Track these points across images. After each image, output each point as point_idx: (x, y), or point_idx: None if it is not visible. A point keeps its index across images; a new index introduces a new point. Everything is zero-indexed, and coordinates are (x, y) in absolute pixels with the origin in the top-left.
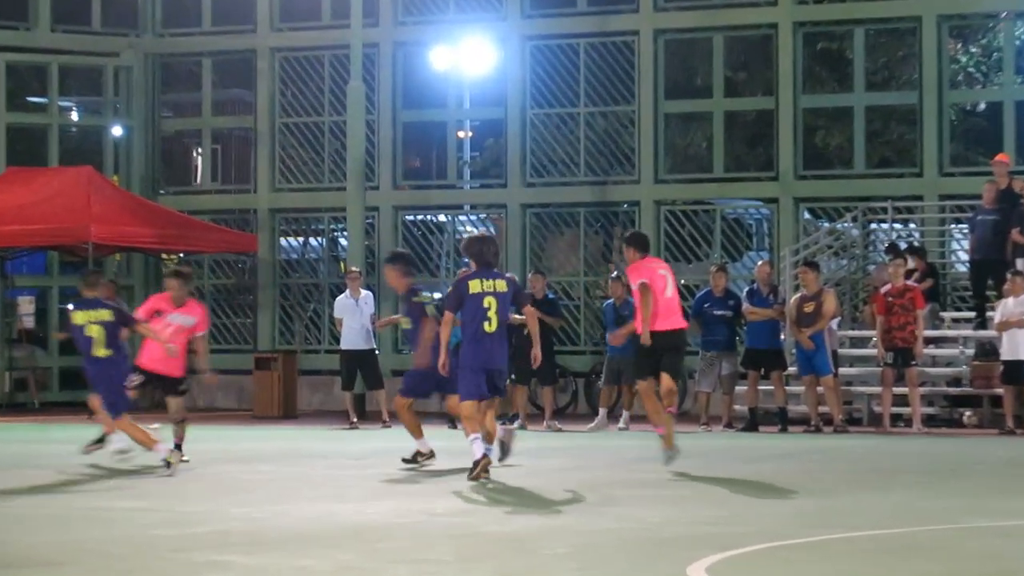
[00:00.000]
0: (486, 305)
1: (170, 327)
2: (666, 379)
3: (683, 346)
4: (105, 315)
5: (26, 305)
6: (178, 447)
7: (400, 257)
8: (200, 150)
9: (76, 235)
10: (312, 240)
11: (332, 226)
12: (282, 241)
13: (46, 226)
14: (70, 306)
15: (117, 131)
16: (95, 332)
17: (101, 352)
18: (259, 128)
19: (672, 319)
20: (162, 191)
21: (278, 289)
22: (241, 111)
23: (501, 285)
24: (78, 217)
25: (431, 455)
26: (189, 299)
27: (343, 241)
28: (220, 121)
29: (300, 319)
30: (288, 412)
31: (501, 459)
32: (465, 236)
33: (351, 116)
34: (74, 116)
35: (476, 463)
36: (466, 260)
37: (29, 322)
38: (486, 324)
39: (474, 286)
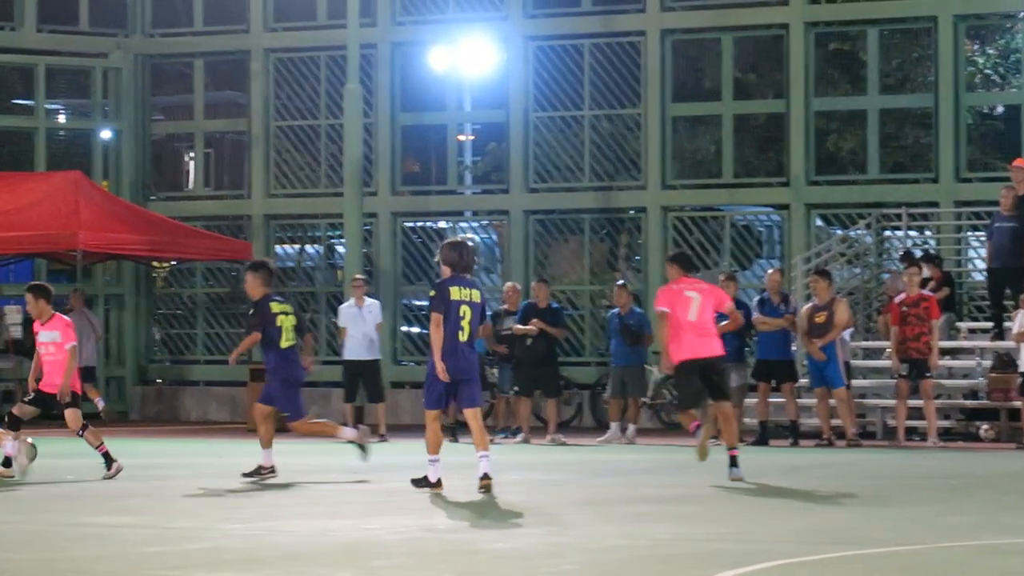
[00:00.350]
0: (461, 314)
1: (43, 345)
2: (724, 407)
3: (718, 370)
4: None
5: (13, 315)
6: (107, 457)
7: (262, 266)
8: (192, 154)
9: (64, 242)
10: (308, 247)
11: (329, 233)
12: (277, 248)
13: (33, 233)
14: None
15: (106, 135)
16: None
17: None
18: (253, 131)
19: (700, 346)
20: (153, 197)
21: None
22: (234, 114)
23: (476, 295)
24: (66, 223)
25: (272, 471)
26: (54, 315)
27: (340, 248)
28: (213, 124)
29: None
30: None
31: (364, 459)
32: (445, 242)
33: (348, 119)
34: (61, 119)
35: (426, 482)
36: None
37: (16, 332)
38: (460, 333)
39: (453, 292)
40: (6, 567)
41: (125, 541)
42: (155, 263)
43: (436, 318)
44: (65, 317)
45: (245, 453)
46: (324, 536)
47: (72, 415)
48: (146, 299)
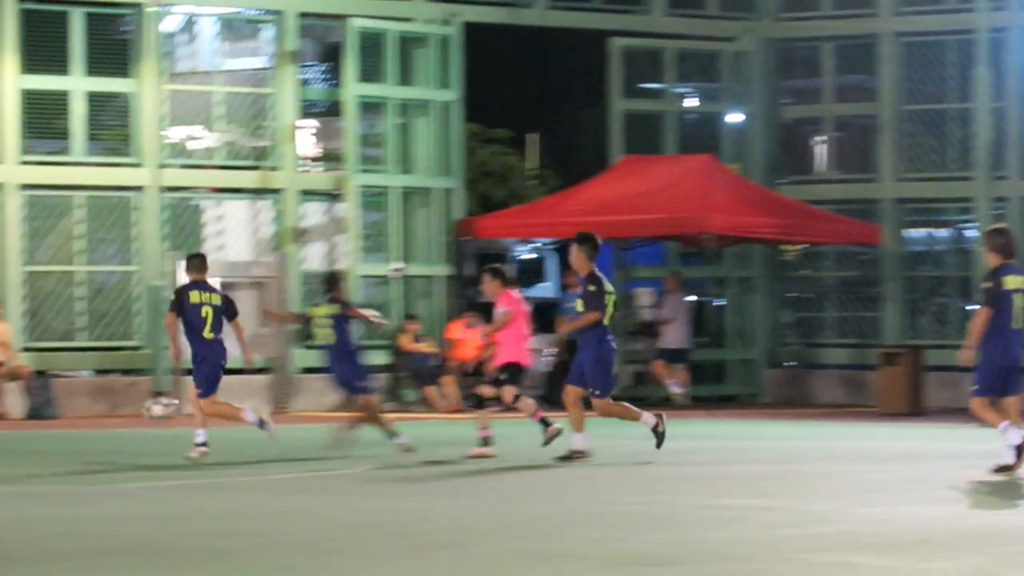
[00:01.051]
0: (1014, 301)
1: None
2: None
3: None
4: (216, 299)
5: (645, 297)
6: (544, 422)
7: (588, 239)
8: (821, 138)
9: (695, 225)
10: (938, 231)
11: (959, 217)
12: (907, 232)
13: (664, 216)
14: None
15: (735, 118)
16: (207, 312)
17: (208, 334)
18: (882, 115)
19: None
20: (782, 180)
21: (903, 282)
22: (862, 98)
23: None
24: (697, 207)
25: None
26: (503, 291)
27: (971, 232)
28: (841, 108)
29: (927, 313)
30: (915, 409)
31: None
32: (989, 228)
33: (978, 103)
34: (691, 103)
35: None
36: None
37: (648, 314)
38: (1013, 321)
39: (1009, 282)
40: (637, 547)
41: (758, 523)
42: (785, 246)
43: (986, 311)
44: (513, 293)
45: (874, 436)
46: (955, 521)
47: (506, 391)
48: (777, 282)
